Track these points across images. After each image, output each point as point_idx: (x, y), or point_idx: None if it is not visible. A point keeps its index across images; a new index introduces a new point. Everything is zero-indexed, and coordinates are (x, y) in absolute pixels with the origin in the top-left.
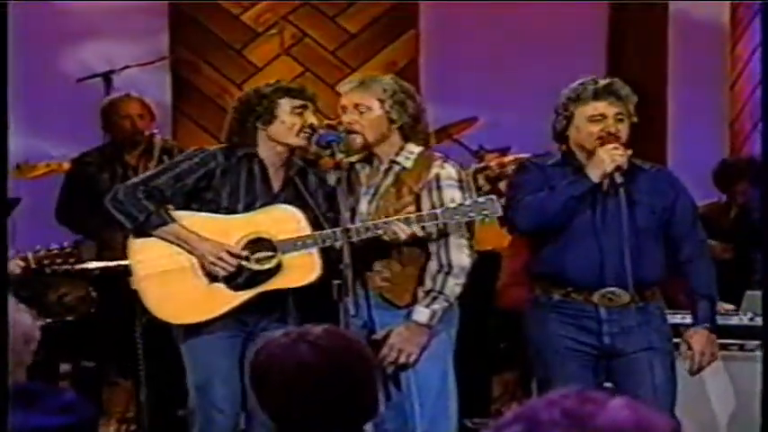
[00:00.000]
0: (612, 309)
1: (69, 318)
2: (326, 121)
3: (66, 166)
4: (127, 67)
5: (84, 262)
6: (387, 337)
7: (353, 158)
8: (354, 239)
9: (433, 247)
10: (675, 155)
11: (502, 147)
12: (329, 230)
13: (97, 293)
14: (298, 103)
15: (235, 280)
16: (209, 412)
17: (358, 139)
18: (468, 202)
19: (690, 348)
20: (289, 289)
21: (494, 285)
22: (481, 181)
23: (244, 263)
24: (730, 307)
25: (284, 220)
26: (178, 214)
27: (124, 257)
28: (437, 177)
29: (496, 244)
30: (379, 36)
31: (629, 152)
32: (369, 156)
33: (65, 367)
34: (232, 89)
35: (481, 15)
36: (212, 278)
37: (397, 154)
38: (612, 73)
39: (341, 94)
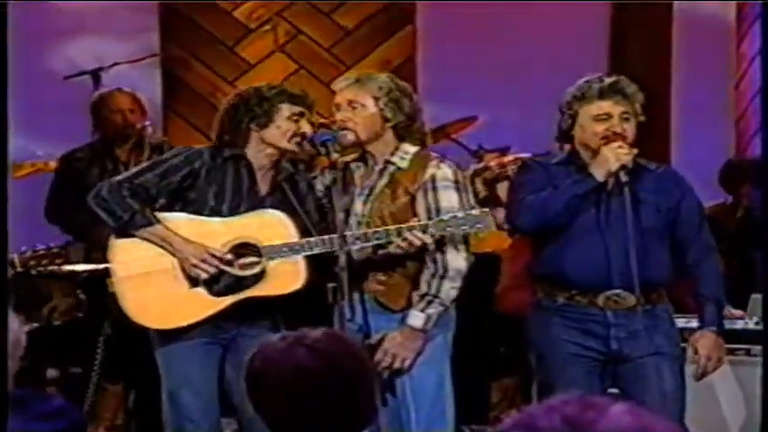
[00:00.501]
0: (619, 312)
1: (57, 322)
2: (320, 120)
3: (53, 165)
4: (116, 64)
5: (71, 263)
6: (381, 341)
7: (348, 158)
8: (346, 248)
9: (428, 251)
10: (679, 155)
11: (502, 146)
12: (317, 237)
13: (86, 296)
14: (297, 110)
15: (216, 285)
16: (179, 422)
17: (349, 135)
18: (460, 215)
19: (696, 352)
20: (273, 296)
21: (493, 288)
22: (478, 186)
23: (227, 268)
24: (740, 313)
25: (272, 226)
26: (163, 215)
27: None
28: (433, 178)
29: (496, 246)
30: (376, 33)
31: (635, 151)
32: (363, 156)
33: (52, 373)
34: (224, 87)
35: (480, 12)
36: (193, 282)
37: (392, 154)
38: (615, 71)
39: (336, 92)
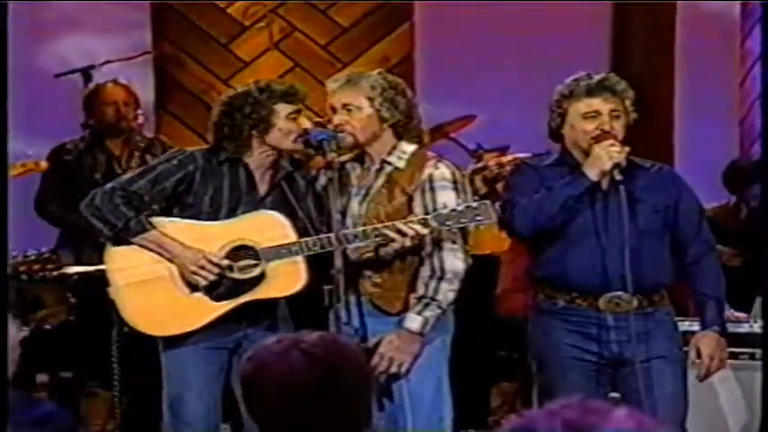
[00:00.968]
0: (620, 315)
1: (47, 326)
2: (316, 119)
3: (44, 165)
4: (108, 62)
5: (62, 268)
6: (378, 345)
7: (344, 158)
8: (343, 247)
9: (425, 252)
10: (683, 155)
11: (501, 146)
12: (314, 237)
13: (76, 300)
14: (292, 108)
15: (216, 290)
16: (178, 427)
17: (348, 139)
18: (460, 208)
19: (698, 352)
20: (275, 298)
21: (492, 291)
22: (478, 183)
23: (226, 272)
24: (744, 316)
25: (269, 227)
26: (158, 221)
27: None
28: (430, 178)
29: (495, 248)
30: (373, 30)
31: (627, 149)
32: (360, 155)
33: (41, 378)
34: (218, 85)
35: (479, 9)
36: (193, 288)
37: (389, 153)
38: (617, 70)
39: (328, 93)
